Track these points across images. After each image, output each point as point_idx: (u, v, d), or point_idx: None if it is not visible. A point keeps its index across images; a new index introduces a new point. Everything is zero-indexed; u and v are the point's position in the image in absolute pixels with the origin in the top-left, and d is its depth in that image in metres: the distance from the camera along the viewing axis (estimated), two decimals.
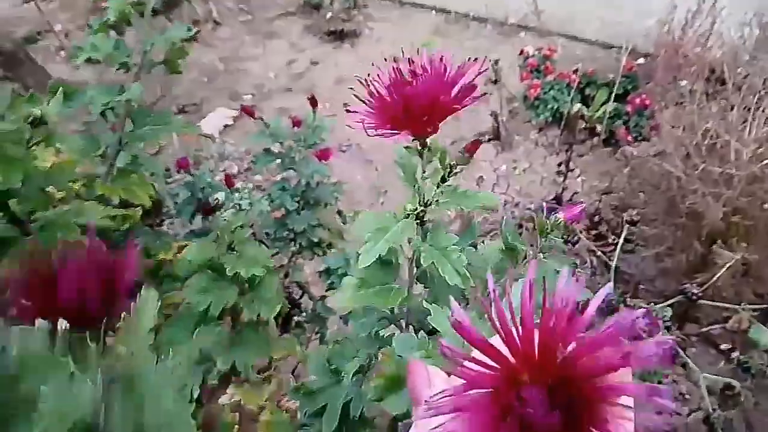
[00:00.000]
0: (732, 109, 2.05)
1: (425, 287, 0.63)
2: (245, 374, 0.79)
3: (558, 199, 2.77)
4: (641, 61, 3.38)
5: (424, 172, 0.54)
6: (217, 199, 0.76)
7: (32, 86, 2.24)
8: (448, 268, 0.53)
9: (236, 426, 0.71)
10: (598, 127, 3.10)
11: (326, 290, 1.43)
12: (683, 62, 2.98)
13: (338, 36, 3.84)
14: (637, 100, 3.05)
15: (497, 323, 0.32)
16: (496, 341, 0.33)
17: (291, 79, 3.47)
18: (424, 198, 0.57)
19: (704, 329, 2.16)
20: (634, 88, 3.18)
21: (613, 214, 2.72)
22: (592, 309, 0.33)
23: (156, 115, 0.90)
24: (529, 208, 2.78)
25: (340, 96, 3.11)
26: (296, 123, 1.53)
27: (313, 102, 1.54)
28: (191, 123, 3.17)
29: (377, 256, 0.52)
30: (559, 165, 2.95)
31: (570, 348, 0.32)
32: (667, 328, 1.93)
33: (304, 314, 1.47)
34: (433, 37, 3.77)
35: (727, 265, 1.78)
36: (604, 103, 3.11)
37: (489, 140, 3.15)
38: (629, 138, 3.02)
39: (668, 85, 2.83)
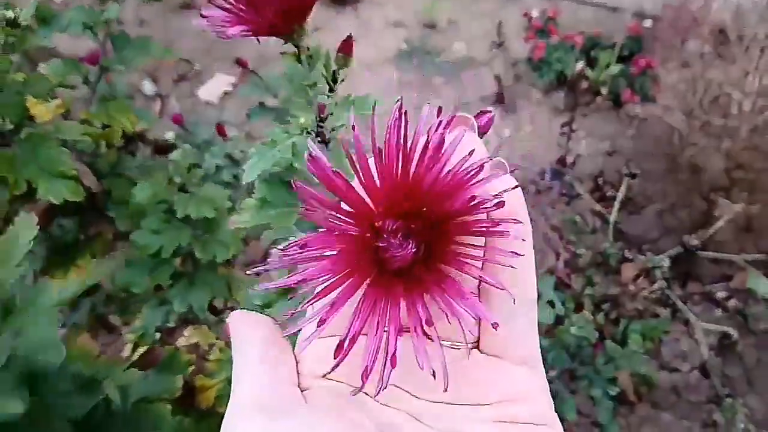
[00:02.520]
0: (734, 62, 2.00)
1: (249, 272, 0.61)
2: (202, 316, 0.78)
3: (561, 161, 2.73)
4: (648, 23, 3.30)
5: (310, 82, 0.51)
6: (166, 139, 0.75)
7: None
8: None
9: (191, 366, 0.71)
10: (603, 90, 3.04)
11: None
12: (690, 24, 2.91)
13: (340, 0, 3.80)
14: (642, 62, 2.98)
15: (354, 157, 0.31)
16: (355, 184, 0.32)
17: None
18: (320, 112, 0.53)
19: (707, 287, 2.13)
20: (640, 50, 3.11)
21: (616, 174, 2.67)
22: (443, 144, 0.32)
23: (136, 39, 0.89)
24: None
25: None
26: None
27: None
28: (191, 91, 3.16)
29: (272, 176, 0.50)
30: (563, 126, 2.90)
31: (428, 184, 0.32)
32: (668, 284, 1.91)
33: None
34: (437, 2, 3.70)
35: (727, 217, 1.75)
36: (608, 66, 3.05)
37: (492, 104, 3.11)
38: (634, 99, 2.96)
39: (674, 46, 2.76)
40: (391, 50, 3.43)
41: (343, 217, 0.32)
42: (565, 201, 2.55)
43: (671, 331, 2.12)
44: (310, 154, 0.31)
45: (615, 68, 2.92)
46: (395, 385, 0.34)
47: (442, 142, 0.31)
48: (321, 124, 0.52)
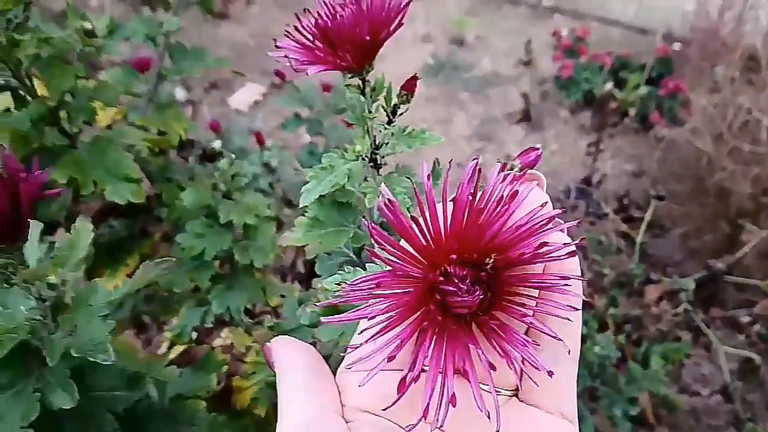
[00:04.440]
0: (765, 88, 2.00)
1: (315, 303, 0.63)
2: (237, 317, 0.81)
3: (587, 181, 2.74)
4: (677, 46, 3.30)
5: (370, 111, 0.53)
6: (213, 147, 0.78)
7: None
8: None
9: (225, 366, 0.73)
10: (630, 111, 3.04)
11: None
12: (719, 48, 2.90)
13: None
14: (671, 84, 2.98)
15: (425, 205, 0.33)
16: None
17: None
18: (375, 140, 0.56)
19: (729, 312, 2.12)
20: (669, 73, 3.11)
21: (642, 195, 2.67)
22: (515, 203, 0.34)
23: (192, 50, 0.93)
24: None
25: (373, 72, 3.09)
26: (326, 88, 1.55)
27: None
28: (222, 99, 3.21)
29: (325, 196, 0.52)
30: (589, 146, 2.91)
31: (494, 235, 0.34)
32: (691, 306, 1.91)
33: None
34: (465, 17, 3.73)
35: (754, 242, 1.74)
36: (636, 87, 3.06)
37: (519, 121, 3.12)
38: (661, 122, 2.96)
39: (704, 70, 2.76)
40: (418, 64, 3.46)
41: (410, 261, 0.33)
42: (590, 220, 2.55)
43: (692, 355, 2.11)
44: (385, 199, 0.33)
45: (644, 90, 2.93)
46: (440, 428, 0.34)
47: (513, 195, 0.33)
48: (376, 151, 0.54)
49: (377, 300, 0.33)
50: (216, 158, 0.78)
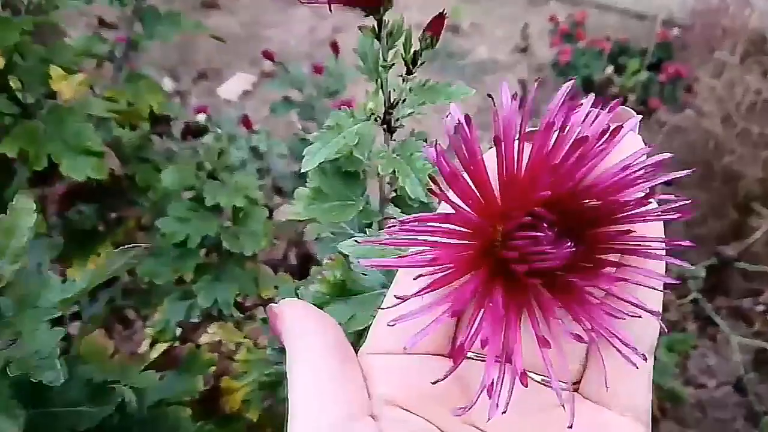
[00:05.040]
0: None
1: (401, 212, 0.55)
2: (227, 311, 0.73)
3: None
4: (676, 31, 3.23)
5: (385, 60, 0.46)
6: (197, 122, 0.69)
7: None
8: (411, 177, 0.45)
9: (213, 366, 0.65)
10: (630, 96, 2.97)
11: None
12: (722, 32, 2.84)
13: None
14: (671, 69, 2.91)
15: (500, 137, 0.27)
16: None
17: (313, 46, 3.40)
18: (389, 97, 0.49)
19: (734, 302, 2.05)
20: (669, 58, 3.04)
21: None
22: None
23: (166, 14, 0.84)
24: None
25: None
26: (317, 69, 1.48)
27: (335, 48, 1.50)
28: (211, 89, 3.13)
29: (329, 165, 0.45)
30: None
31: (584, 179, 0.28)
32: (698, 298, 1.84)
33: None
34: (461, 5, 3.66)
35: (765, 228, 1.68)
36: (636, 72, 2.98)
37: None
38: (662, 107, 2.89)
39: (707, 54, 2.70)
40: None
41: (478, 204, 0.28)
42: None
43: (698, 346, 2.05)
44: (456, 119, 0.27)
45: (644, 75, 2.86)
46: (475, 426, 0.29)
47: (604, 132, 0.27)
48: (390, 110, 0.47)
49: (429, 248, 0.28)
50: (201, 134, 0.70)
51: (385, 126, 0.50)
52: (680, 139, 2.32)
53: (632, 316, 0.28)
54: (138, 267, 0.75)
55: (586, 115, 0.29)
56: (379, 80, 0.47)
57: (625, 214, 0.28)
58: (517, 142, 0.28)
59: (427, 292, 0.27)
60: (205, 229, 0.71)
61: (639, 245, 0.29)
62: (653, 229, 0.29)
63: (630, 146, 0.29)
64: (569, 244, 0.27)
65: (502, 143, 0.28)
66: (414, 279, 0.28)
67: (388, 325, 0.28)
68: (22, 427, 0.41)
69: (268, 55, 1.54)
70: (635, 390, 0.30)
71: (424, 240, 0.29)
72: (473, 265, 0.29)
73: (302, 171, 0.45)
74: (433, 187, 0.27)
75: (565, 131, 0.28)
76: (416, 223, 0.28)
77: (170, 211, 0.71)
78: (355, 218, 0.51)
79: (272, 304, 0.32)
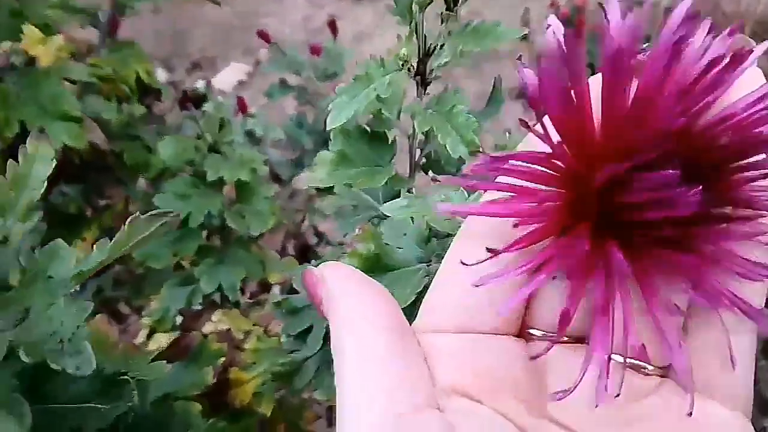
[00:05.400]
0: None
1: (435, 179, 0.49)
2: (232, 297, 0.66)
3: None
4: None
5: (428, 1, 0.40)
6: (196, 89, 0.63)
7: None
8: (452, 135, 0.39)
9: (222, 357, 0.59)
10: None
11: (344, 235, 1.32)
12: (722, 20, 2.79)
13: None
14: None
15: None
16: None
17: (308, 35, 3.33)
18: (425, 42, 0.43)
19: None
20: None
21: None
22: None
23: None
24: None
25: (359, 50, 2.96)
26: (315, 50, 1.43)
27: (333, 28, 1.45)
28: (205, 79, 3.05)
29: (352, 127, 0.39)
30: None
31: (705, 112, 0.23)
32: None
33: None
34: None
35: None
36: None
37: (517, 96, 2.99)
38: None
39: None
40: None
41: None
42: None
43: None
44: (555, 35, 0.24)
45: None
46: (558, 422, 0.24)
47: (734, 62, 0.23)
48: (426, 58, 0.41)
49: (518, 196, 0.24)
50: (200, 103, 0.63)
51: (418, 78, 0.44)
52: None
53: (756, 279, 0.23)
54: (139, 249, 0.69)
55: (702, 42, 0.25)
56: (413, 22, 0.41)
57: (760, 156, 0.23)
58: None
59: (520, 248, 0.22)
60: (207, 206, 0.64)
61: None
62: None
63: (752, 81, 0.24)
64: (698, 188, 0.21)
65: (612, 68, 0.23)
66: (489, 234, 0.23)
67: (475, 285, 0.22)
68: (28, 428, 0.34)
69: (263, 36, 1.48)
70: (739, 376, 0.25)
71: (510, 185, 0.24)
72: (573, 217, 0.24)
73: (328, 128, 0.39)
74: (529, 122, 0.23)
75: (681, 58, 0.23)
76: (509, 162, 0.23)
77: (169, 187, 0.64)
78: (380, 189, 0.45)
79: (310, 267, 0.27)
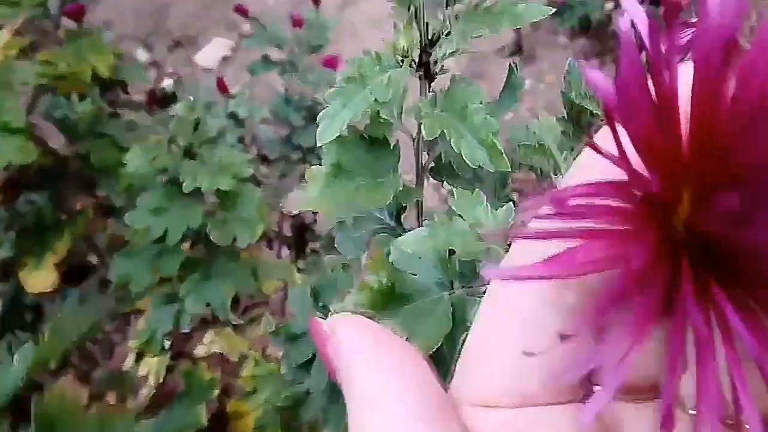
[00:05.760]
0: None
1: (444, 183, 0.42)
2: (223, 316, 0.60)
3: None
4: None
5: None
6: (163, 88, 0.55)
7: None
8: (467, 138, 0.33)
9: (215, 390, 0.53)
10: None
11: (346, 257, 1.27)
12: None
13: None
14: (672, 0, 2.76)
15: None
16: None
17: (293, 5, 3.22)
18: (427, 29, 0.36)
19: None
20: None
21: None
22: None
23: None
24: None
25: (344, 18, 2.86)
26: (297, 22, 1.35)
27: None
28: (188, 57, 2.95)
29: (348, 131, 0.32)
30: None
31: None
32: None
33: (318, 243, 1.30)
34: None
35: None
36: None
37: (510, 54, 2.89)
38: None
39: None
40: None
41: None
42: None
43: None
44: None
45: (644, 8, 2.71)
46: None
47: None
48: (429, 49, 0.34)
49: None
50: (168, 103, 0.56)
51: (421, 71, 0.36)
52: None
53: None
54: (109, 268, 0.62)
55: None
56: (412, 7, 0.34)
57: None
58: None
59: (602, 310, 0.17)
60: (187, 219, 0.57)
61: None
62: None
63: None
64: None
65: (709, 61, 0.16)
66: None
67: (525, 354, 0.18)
68: None
69: (241, 11, 1.40)
70: None
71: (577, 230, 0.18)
72: (658, 258, 0.19)
73: (319, 143, 0.31)
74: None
75: None
76: (580, 200, 0.18)
77: (140, 201, 0.57)
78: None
79: (317, 319, 0.23)
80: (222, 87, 1.33)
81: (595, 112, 0.41)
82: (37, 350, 0.31)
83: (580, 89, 0.42)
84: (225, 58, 2.91)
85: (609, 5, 2.72)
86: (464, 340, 0.23)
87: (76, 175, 0.64)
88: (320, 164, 0.38)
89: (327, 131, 0.32)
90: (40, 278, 0.65)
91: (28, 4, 0.59)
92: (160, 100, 0.56)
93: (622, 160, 0.18)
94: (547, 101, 2.70)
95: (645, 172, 0.19)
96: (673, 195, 0.19)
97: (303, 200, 0.35)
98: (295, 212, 0.35)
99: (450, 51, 0.35)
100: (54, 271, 0.65)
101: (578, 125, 0.42)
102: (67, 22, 0.65)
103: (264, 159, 1.39)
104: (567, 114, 0.42)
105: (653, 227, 0.19)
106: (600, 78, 0.17)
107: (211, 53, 2.90)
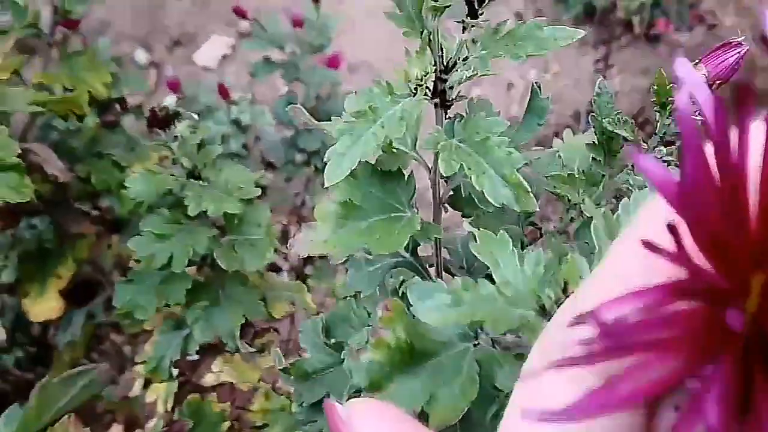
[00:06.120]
0: None
1: (463, 215, 0.39)
2: (232, 345, 0.57)
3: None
4: None
5: (435, 0, 0.30)
6: (165, 106, 0.52)
7: None
8: (490, 174, 0.30)
9: (225, 421, 0.50)
10: (635, 20, 2.77)
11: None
12: None
13: None
14: None
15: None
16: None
17: (291, 2, 3.17)
18: (442, 54, 0.33)
19: None
20: None
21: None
22: None
23: None
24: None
25: (341, 12, 2.81)
26: (297, 23, 1.32)
27: None
28: (187, 57, 2.91)
29: (360, 164, 0.29)
30: (597, 62, 2.65)
31: None
32: None
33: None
34: None
35: None
36: None
37: None
38: (669, 28, 2.70)
39: None
40: None
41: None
42: None
43: None
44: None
45: None
46: None
47: None
48: (444, 76, 0.31)
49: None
50: (171, 122, 0.53)
51: (436, 100, 0.33)
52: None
53: None
54: (113, 296, 0.60)
55: None
56: (425, 31, 0.31)
57: None
58: None
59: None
60: (192, 245, 0.54)
61: None
62: None
63: None
64: None
65: None
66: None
67: None
68: None
69: (240, 13, 1.37)
70: None
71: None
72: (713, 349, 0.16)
73: (327, 185, 0.29)
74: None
75: None
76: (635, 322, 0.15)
77: (143, 225, 0.54)
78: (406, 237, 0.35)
79: (333, 404, 0.22)
80: (223, 92, 1.31)
81: (628, 137, 0.39)
82: (23, 420, 0.29)
83: (611, 113, 0.39)
84: (225, 57, 2.87)
85: None
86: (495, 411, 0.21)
87: (77, 200, 0.62)
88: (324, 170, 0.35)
89: (336, 171, 0.29)
90: (44, 306, 0.63)
91: (19, 27, 0.57)
92: (161, 121, 0.53)
93: (686, 262, 0.15)
94: (553, 92, 2.66)
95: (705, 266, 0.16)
96: (741, 288, 0.16)
97: (312, 243, 0.32)
98: (303, 255, 0.33)
99: (469, 75, 0.32)
100: (58, 299, 0.63)
101: (609, 151, 0.39)
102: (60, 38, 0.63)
103: (269, 165, 1.37)
104: (597, 140, 0.39)
105: (716, 329, 0.16)
106: (657, 169, 0.15)
107: (210, 52, 2.85)
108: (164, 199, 0.55)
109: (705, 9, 2.61)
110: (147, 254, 0.53)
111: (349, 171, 0.30)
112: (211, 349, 0.62)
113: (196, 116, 0.53)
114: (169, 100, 0.58)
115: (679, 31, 2.68)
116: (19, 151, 0.46)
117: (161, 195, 0.54)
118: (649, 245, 0.15)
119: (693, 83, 0.16)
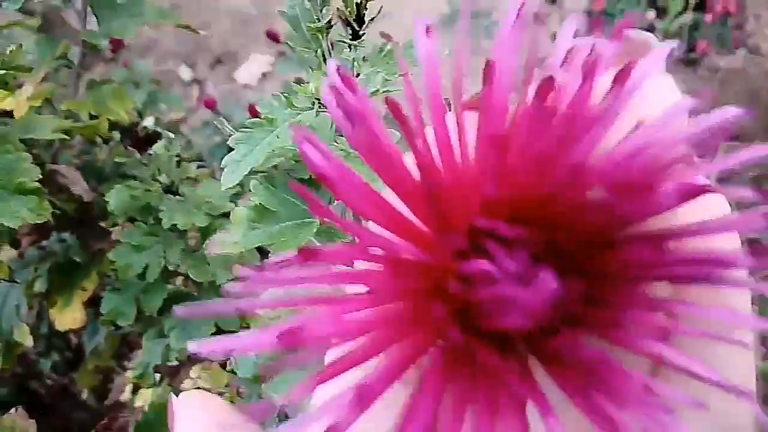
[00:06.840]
0: None
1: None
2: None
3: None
4: None
5: (318, 20, 0.33)
6: (145, 127, 0.56)
7: None
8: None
9: None
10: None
11: None
12: None
13: None
14: (719, 7, 2.67)
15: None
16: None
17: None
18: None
19: None
20: None
21: None
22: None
23: (125, 3, 0.69)
24: None
25: (380, 28, 2.86)
26: (332, 43, 1.35)
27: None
28: (228, 74, 3.00)
29: (276, 172, 0.31)
30: None
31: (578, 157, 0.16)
32: None
33: None
34: None
35: None
36: (679, 14, 2.75)
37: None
38: (709, 51, 2.65)
39: None
40: (432, 15, 3.20)
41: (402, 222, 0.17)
42: None
43: None
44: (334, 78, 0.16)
45: (688, 16, 2.63)
46: None
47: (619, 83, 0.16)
48: None
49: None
50: (153, 141, 0.57)
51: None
52: (740, 84, 2.10)
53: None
54: (102, 304, 0.63)
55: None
56: (319, 50, 0.34)
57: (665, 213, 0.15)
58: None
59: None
60: (165, 256, 0.58)
61: (700, 266, 0.15)
62: (724, 239, 0.17)
63: (659, 97, 0.17)
64: (550, 279, 0.15)
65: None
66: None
67: None
68: None
69: (273, 36, 1.40)
70: None
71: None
72: (417, 322, 0.17)
73: (224, 188, 0.31)
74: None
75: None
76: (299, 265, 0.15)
77: (123, 237, 0.58)
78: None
79: (173, 397, 0.24)
80: (253, 112, 1.35)
81: None
82: None
83: None
84: (265, 75, 2.95)
85: (650, 14, 2.65)
86: None
87: (101, 218, 0.66)
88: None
89: (231, 177, 0.32)
90: (68, 316, 0.68)
91: (49, 59, 0.62)
92: (144, 140, 0.57)
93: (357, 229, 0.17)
94: None
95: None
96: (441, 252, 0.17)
97: (223, 243, 0.35)
98: (217, 252, 0.35)
99: (372, 90, 0.35)
100: (82, 310, 0.68)
101: None
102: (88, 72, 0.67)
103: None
104: None
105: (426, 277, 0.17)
106: (310, 150, 0.16)
107: (250, 70, 2.94)
108: (142, 212, 0.59)
109: (749, 31, 2.56)
110: (123, 264, 0.57)
111: (261, 173, 0.32)
112: (191, 358, 0.65)
113: (171, 135, 0.57)
114: (149, 122, 0.61)
115: (720, 54, 2.64)
116: (40, 176, 0.51)
117: (138, 209, 0.58)
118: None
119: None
